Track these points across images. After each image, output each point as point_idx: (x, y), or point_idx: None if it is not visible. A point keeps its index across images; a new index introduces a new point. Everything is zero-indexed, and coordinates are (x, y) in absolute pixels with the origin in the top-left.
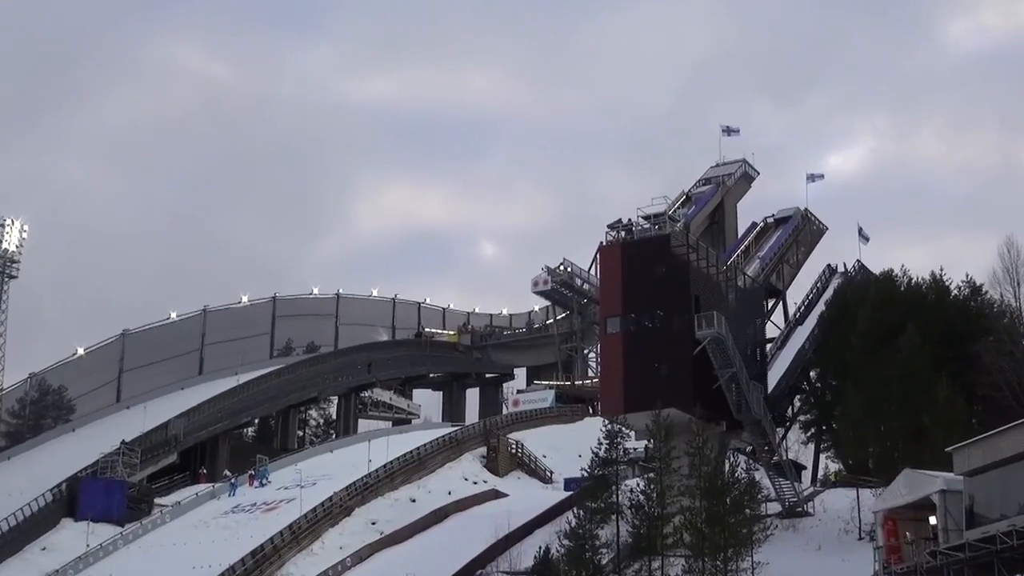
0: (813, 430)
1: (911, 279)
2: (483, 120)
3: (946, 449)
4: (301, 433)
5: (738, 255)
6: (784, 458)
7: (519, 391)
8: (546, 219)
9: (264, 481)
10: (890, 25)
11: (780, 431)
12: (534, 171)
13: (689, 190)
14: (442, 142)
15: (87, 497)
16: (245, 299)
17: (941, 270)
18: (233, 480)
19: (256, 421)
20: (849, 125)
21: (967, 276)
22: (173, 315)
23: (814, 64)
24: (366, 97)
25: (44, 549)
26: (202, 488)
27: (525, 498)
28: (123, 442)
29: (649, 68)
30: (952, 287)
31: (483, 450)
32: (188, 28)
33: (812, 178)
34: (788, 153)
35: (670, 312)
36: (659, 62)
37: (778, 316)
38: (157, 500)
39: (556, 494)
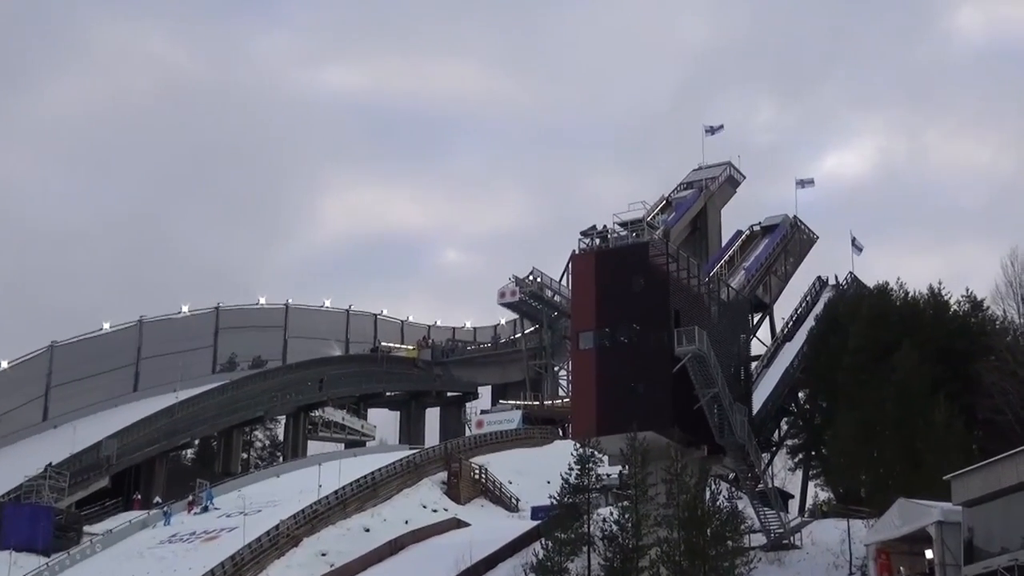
0: (801, 456)
1: (907, 293)
2: (453, 115)
3: (944, 477)
4: (245, 456)
5: (722, 265)
6: (770, 486)
7: (483, 411)
8: (521, 224)
9: (208, 505)
10: (901, 16)
11: (765, 456)
12: (508, 171)
13: (670, 195)
14: (408, 138)
15: (10, 524)
16: (185, 309)
17: (940, 284)
18: (167, 509)
19: (196, 442)
20: (854, 123)
21: (967, 290)
22: (106, 326)
23: (819, 58)
24: (328, 89)
25: None
26: (136, 515)
27: (489, 528)
28: (50, 465)
29: (643, 60)
30: (951, 302)
31: (443, 475)
32: (143, 10)
33: (802, 184)
34: (787, 153)
35: (648, 327)
36: (654, 54)
37: (764, 332)
38: (86, 528)
39: (522, 523)
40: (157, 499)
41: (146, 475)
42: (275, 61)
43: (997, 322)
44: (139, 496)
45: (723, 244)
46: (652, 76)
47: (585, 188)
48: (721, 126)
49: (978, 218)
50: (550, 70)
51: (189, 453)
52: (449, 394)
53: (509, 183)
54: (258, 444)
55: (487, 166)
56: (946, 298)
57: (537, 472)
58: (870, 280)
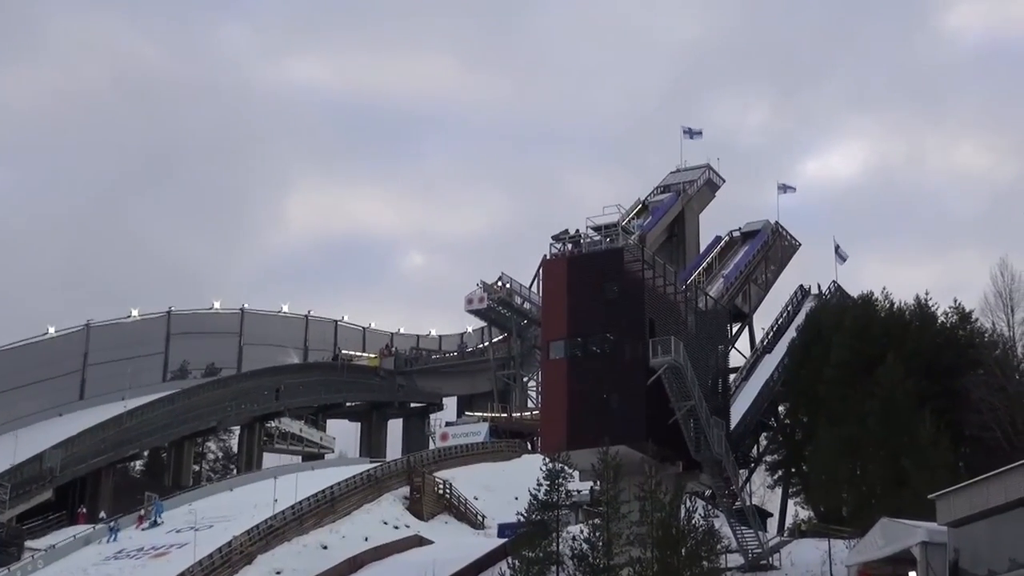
0: (780, 472)
1: (892, 304)
2: (424, 112)
3: (929, 496)
4: (197, 468)
5: (699, 273)
6: (747, 504)
7: (448, 423)
8: (494, 227)
9: (156, 520)
10: (899, 14)
11: (743, 473)
12: (482, 171)
13: (646, 198)
14: (376, 136)
15: None
16: (135, 313)
17: (927, 294)
18: (112, 524)
19: (145, 454)
20: (848, 125)
21: (955, 301)
22: (51, 330)
23: (813, 58)
24: (294, 83)
25: None
26: (81, 530)
27: (453, 545)
28: None
29: (630, 56)
30: (939, 313)
31: (406, 490)
32: None
33: (784, 189)
34: (775, 156)
35: (621, 337)
36: (642, 49)
37: (743, 343)
38: (28, 543)
39: (488, 541)
40: (103, 513)
41: (92, 488)
42: (239, 54)
43: (986, 335)
44: (84, 510)
45: (701, 250)
46: (639, 73)
47: (565, 190)
48: (700, 131)
49: (975, 226)
50: (529, 65)
51: (138, 465)
52: (412, 405)
53: (482, 184)
54: (211, 456)
55: (459, 165)
56: (933, 309)
57: (504, 488)
58: (858, 290)
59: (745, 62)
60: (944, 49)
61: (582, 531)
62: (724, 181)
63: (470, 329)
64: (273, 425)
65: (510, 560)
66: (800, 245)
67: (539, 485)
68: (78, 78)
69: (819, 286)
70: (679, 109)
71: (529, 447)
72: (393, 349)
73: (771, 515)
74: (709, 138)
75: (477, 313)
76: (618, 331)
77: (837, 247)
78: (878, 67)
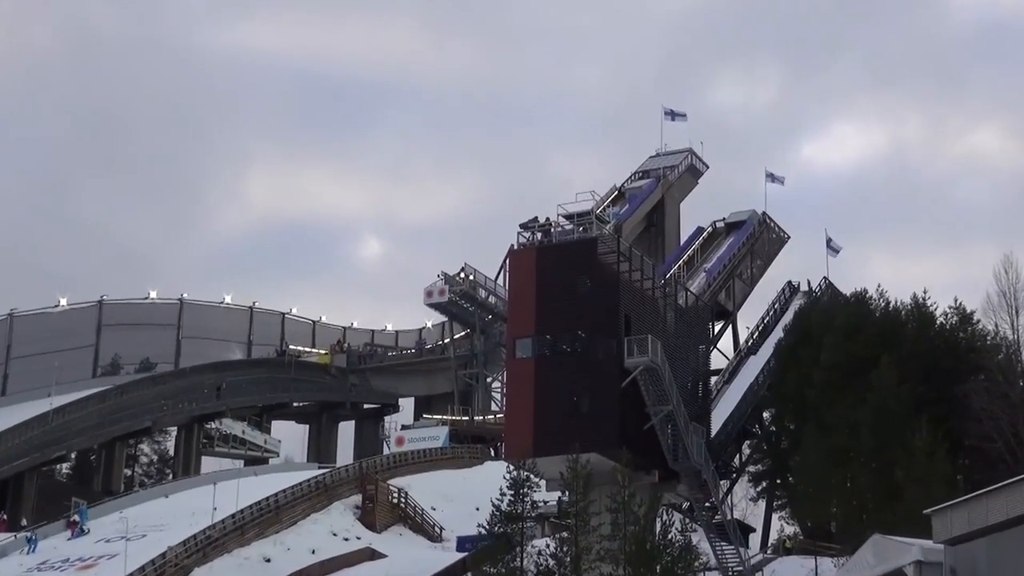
0: (765, 484)
1: (888, 302)
2: (382, 81)
3: (924, 511)
4: (129, 472)
5: (680, 266)
6: (728, 517)
7: (404, 427)
8: (460, 213)
9: (82, 528)
10: None
11: (724, 484)
12: (448, 149)
13: (623, 184)
14: (329, 108)
15: None
16: (64, 302)
17: (924, 293)
18: (31, 535)
19: (72, 456)
20: (855, 106)
21: (955, 301)
22: None
23: (823, 30)
24: (238, 48)
25: None
26: (1, 538)
27: (408, 559)
28: None
29: (623, 21)
30: (937, 314)
31: (358, 499)
32: None
33: (772, 178)
34: (773, 140)
35: (594, 334)
36: (637, 16)
37: (726, 343)
38: None
39: (447, 555)
40: (24, 521)
41: (14, 492)
42: (189, 14)
43: (988, 337)
44: (5, 516)
45: (682, 242)
46: (633, 42)
47: (547, 172)
48: (684, 114)
49: (994, 217)
50: (505, 31)
51: (64, 468)
52: (366, 406)
53: (451, 163)
54: (144, 459)
55: (424, 142)
56: (931, 309)
57: (465, 497)
58: (860, 287)
59: (750, 33)
60: (967, 20)
61: (548, 545)
62: (708, 167)
63: (430, 324)
64: (213, 426)
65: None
66: (789, 238)
67: (502, 495)
68: (18, 42)
69: (809, 283)
70: (676, 84)
71: (492, 453)
72: (345, 345)
73: (754, 530)
74: (706, 117)
75: (437, 307)
76: (590, 328)
77: (829, 240)
78: (893, 41)
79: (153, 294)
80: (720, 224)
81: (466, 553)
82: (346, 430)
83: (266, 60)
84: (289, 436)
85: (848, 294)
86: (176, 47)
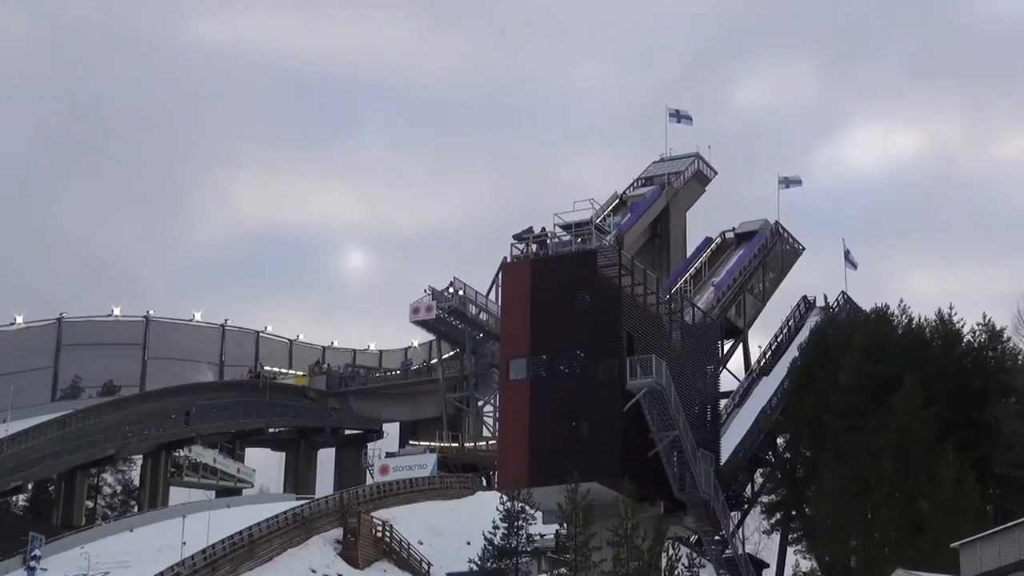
0: (779, 515)
1: (911, 319)
2: (364, 81)
3: (951, 545)
4: (91, 504)
5: (686, 280)
6: (740, 552)
7: (389, 454)
8: (452, 222)
9: (32, 564)
10: None
11: (735, 516)
12: (438, 153)
13: (624, 192)
14: (305, 108)
15: None
16: (20, 320)
17: (951, 308)
18: None
19: (29, 487)
20: (896, 101)
21: (984, 317)
22: None
23: (859, 25)
24: (205, 41)
25: None
26: None
27: None
28: None
29: (647, 10)
30: (964, 331)
31: (338, 532)
32: None
33: (786, 182)
34: (801, 140)
35: (594, 354)
36: (662, 4)
37: (737, 363)
38: None
39: None
40: None
41: None
42: (163, 5)
43: (1020, 356)
44: None
45: (688, 254)
46: (657, 33)
47: (549, 179)
48: (689, 116)
49: None
50: (505, 22)
51: (20, 500)
52: (347, 432)
53: (440, 168)
54: (107, 490)
55: (411, 145)
56: (958, 326)
57: (454, 530)
58: (885, 302)
59: (783, 26)
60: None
61: None
62: (716, 173)
63: (416, 343)
64: (182, 454)
65: None
66: (804, 249)
67: (495, 528)
68: None
69: (826, 298)
70: (708, 77)
71: (484, 483)
72: (325, 366)
73: (767, 565)
74: (684, 123)
75: (424, 325)
76: (590, 348)
77: (847, 252)
78: (932, 37)
79: (116, 311)
80: (730, 234)
81: None
82: (326, 458)
83: (244, 55)
84: (264, 465)
85: (868, 310)
86: (151, 41)
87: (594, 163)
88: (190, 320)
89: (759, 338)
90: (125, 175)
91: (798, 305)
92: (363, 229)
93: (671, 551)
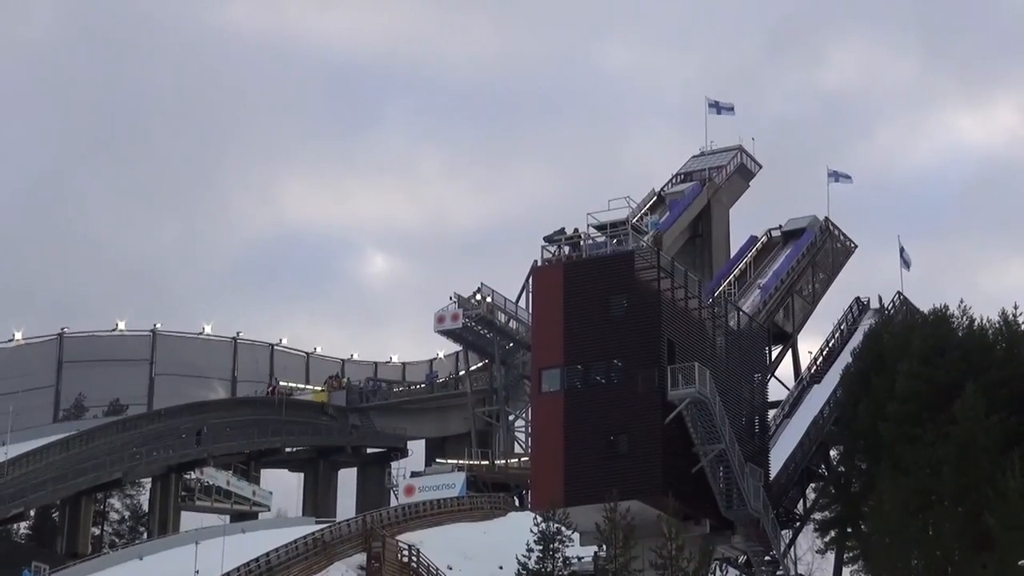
0: (833, 533)
1: (972, 320)
2: (384, 69)
3: (1020, 562)
4: (97, 531)
5: (730, 282)
6: (792, 573)
7: (414, 474)
8: (478, 222)
9: None
10: None
11: (787, 534)
12: (462, 148)
13: (662, 188)
14: (322, 100)
15: None
16: (19, 336)
17: (1016, 308)
18: None
19: (32, 513)
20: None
21: None
22: None
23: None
24: (204, 26)
25: None
26: None
27: None
28: None
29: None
30: None
31: (361, 558)
32: None
33: (836, 177)
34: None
35: (632, 363)
36: None
37: (786, 370)
38: None
39: None
40: None
41: None
42: None
43: None
44: None
45: (732, 254)
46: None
47: (619, 164)
48: (731, 107)
49: None
50: (533, 5)
51: (22, 528)
52: (369, 451)
53: (466, 165)
54: (114, 516)
55: (434, 140)
56: (1023, 327)
57: (486, 554)
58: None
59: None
60: None
61: None
62: (760, 167)
63: (441, 355)
64: (193, 477)
65: None
66: (856, 247)
67: (529, 551)
68: (13, 22)
69: (880, 299)
70: (794, 54)
71: (517, 503)
72: (344, 380)
73: None
74: (726, 114)
75: (450, 334)
76: (628, 356)
77: (902, 249)
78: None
79: (121, 325)
80: (776, 233)
81: None
82: (347, 479)
83: (250, 43)
84: (281, 486)
85: (926, 311)
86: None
87: (648, 153)
88: (200, 333)
89: (809, 343)
90: (125, 176)
91: (851, 307)
92: (382, 231)
93: (718, 573)
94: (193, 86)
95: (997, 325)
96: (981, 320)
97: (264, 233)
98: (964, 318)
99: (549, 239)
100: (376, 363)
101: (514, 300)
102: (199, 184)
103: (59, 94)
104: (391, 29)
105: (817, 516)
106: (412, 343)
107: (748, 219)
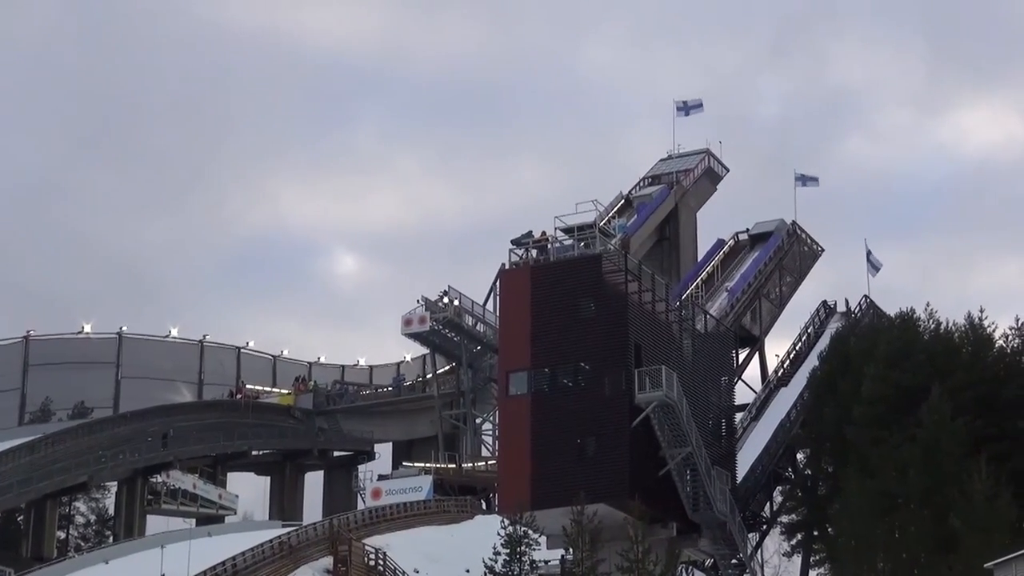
0: (800, 536)
1: (938, 323)
2: (357, 66)
3: (985, 565)
4: (63, 535)
5: (698, 285)
6: (759, 575)
7: (381, 477)
8: (448, 224)
9: None
10: None
11: (754, 537)
12: (435, 147)
13: (630, 191)
14: (293, 97)
15: None
16: None
17: (981, 311)
18: None
19: None
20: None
21: (1017, 320)
22: None
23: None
24: (187, 19)
25: None
26: None
27: None
28: None
29: None
30: (996, 335)
31: (328, 561)
32: None
33: (803, 180)
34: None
35: (599, 366)
36: None
37: (753, 373)
38: None
39: None
40: None
41: None
42: None
43: None
44: None
45: (699, 257)
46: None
47: (612, 160)
48: (699, 104)
49: None
50: (510, 3)
51: None
52: (336, 454)
53: (438, 164)
54: (80, 519)
55: (406, 139)
56: (989, 330)
57: (453, 557)
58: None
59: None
60: None
61: None
62: (727, 170)
63: (409, 358)
64: (159, 480)
65: None
66: (823, 251)
67: (496, 554)
68: (16, 15)
69: (847, 302)
70: (799, 52)
71: (484, 506)
72: (311, 383)
73: None
74: (695, 113)
75: (417, 338)
76: (595, 359)
77: (869, 252)
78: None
79: (87, 327)
80: (743, 236)
81: None
82: (314, 482)
83: (227, 38)
84: (248, 490)
85: (893, 315)
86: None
87: (637, 154)
88: (166, 336)
89: (776, 347)
90: (164, 171)
91: (817, 311)
92: (351, 231)
93: None
94: (153, 81)
95: (963, 328)
96: (947, 323)
97: (231, 234)
98: (930, 321)
99: (516, 242)
100: (343, 366)
101: (482, 303)
102: (190, 185)
103: (50, 92)
104: (366, 28)
105: (784, 519)
106: (380, 345)
107: (716, 222)
